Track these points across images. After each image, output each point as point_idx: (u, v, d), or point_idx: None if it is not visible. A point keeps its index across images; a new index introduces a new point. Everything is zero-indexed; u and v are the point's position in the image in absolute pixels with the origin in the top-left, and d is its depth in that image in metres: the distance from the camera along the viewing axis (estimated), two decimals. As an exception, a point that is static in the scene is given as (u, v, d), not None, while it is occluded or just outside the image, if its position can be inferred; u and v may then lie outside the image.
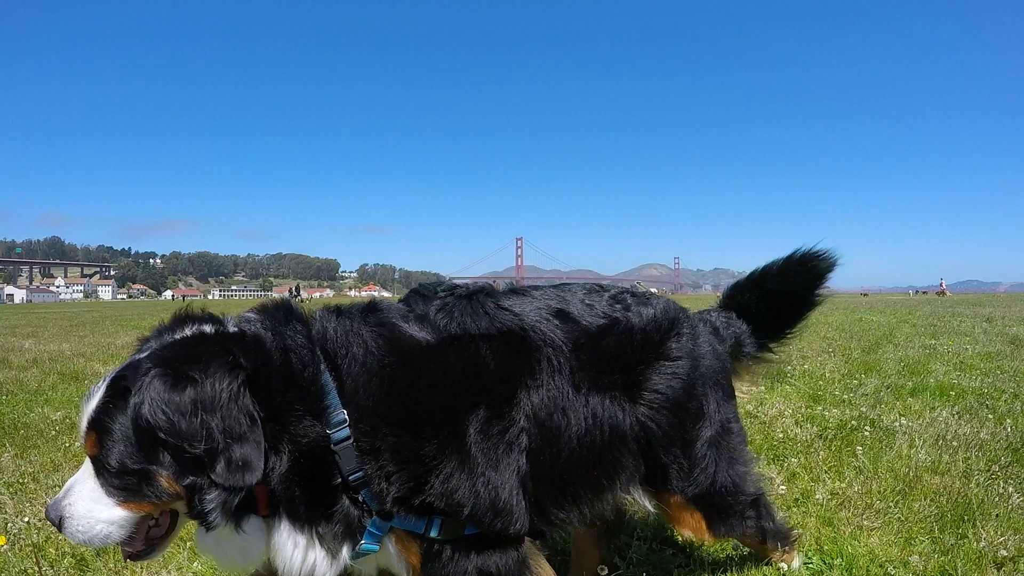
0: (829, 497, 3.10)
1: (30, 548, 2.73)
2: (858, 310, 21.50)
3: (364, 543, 1.54)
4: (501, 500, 1.58)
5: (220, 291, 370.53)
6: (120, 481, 1.42)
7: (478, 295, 1.78)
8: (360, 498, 1.51)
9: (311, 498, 1.50)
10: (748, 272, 2.52)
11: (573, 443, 1.74)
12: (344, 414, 1.49)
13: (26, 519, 3.02)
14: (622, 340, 1.85)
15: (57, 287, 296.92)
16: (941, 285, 58.27)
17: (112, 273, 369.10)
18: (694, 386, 1.95)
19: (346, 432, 1.48)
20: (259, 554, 1.54)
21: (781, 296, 2.40)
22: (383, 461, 1.50)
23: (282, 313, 1.63)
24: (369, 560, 1.65)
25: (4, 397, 6.30)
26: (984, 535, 2.61)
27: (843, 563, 2.41)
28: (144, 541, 1.55)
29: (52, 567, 2.61)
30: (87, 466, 1.48)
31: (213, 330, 1.56)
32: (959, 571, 2.33)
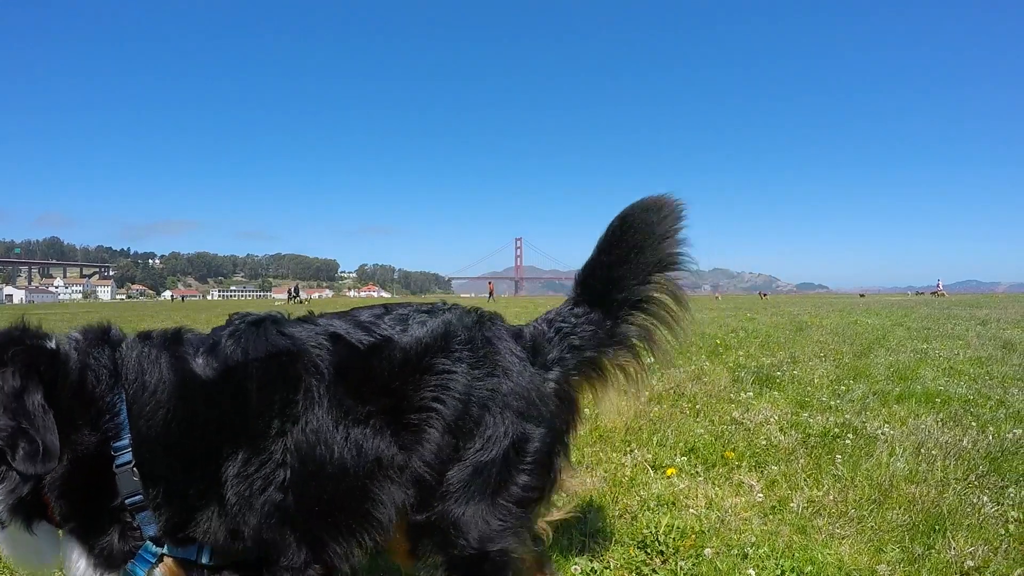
0: (806, 505, 3.17)
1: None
2: (854, 312, 21.58)
3: (133, 564, 1.59)
4: (261, 535, 1.61)
5: (219, 291, 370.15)
6: None
7: (265, 321, 1.81)
8: (135, 522, 1.57)
9: (91, 514, 1.58)
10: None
11: (339, 475, 1.69)
12: (129, 438, 1.56)
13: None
14: (388, 361, 1.79)
15: (56, 287, 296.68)
16: (938, 286, 58.69)
17: (111, 273, 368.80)
18: (468, 407, 1.77)
19: (128, 456, 1.55)
20: (52, 559, 1.64)
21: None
22: (158, 489, 1.57)
23: (96, 336, 1.72)
24: None
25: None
26: (954, 545, 2.68)
27: (813, 571, 2.48)
28: None
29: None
30: None
31: (26, 340, 1.65)
32: (925, 580, 2.41)
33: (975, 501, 3.14)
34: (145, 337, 1.75)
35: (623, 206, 2.09)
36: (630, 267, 2.06)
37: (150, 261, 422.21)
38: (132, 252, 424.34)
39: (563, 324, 2.02)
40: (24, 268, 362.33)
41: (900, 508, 3.08)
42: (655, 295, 2.13)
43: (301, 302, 50.54)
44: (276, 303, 58.76)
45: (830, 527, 2.92)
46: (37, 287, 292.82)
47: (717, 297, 77.81)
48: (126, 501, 1.55)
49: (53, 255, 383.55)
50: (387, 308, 1.96)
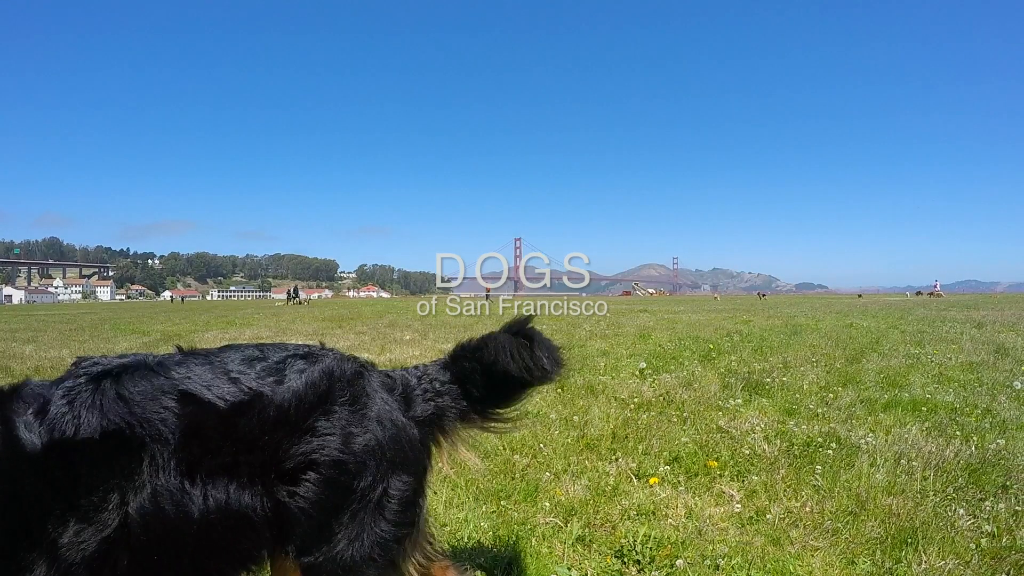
0: (783, 515, 3.20)
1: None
2: (851, 314, 21.62)
3: None
4: None
5: (219, 292, 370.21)
6: None
7: (105, 380, 1.67)
8: None
9: None
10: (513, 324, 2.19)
11: (192, 538, 1.65)
12: None
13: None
14: (259, 419, 1.71)
15: (56, 288, 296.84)
16: (935, 286, 59.12)
17: (111, 274, 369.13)
18: (344, 461, 1.79)
19: None
20: None
21: (498, 376, 2.13)
22: None
23: None
24: None
25: None
26: (925, 559, 2.71)
27: (784, 584, 2.53)
28: None
29: None
30: None
31: None
32: (893, 594, 2.44)
33: (951, 514, 3.16)
34: None
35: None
36: (501, 378, 2.11)
37: (149, 261, 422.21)
38: (131, 252, 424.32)
39: (429, 385, 2.10)
40: (23, 268, 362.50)
41: (876, 520, 3.11)
42: (518, 395, 2.19)
43: (301, 303, 50.50)
44: (276, 303, 58.79)
45: (805, 538, 2.95)
46: (36, 287, 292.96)
47: (716, 297, 77.78)
48: None
49: (52, 255, 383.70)
50: (262, 350, 1.87)
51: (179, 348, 1.86)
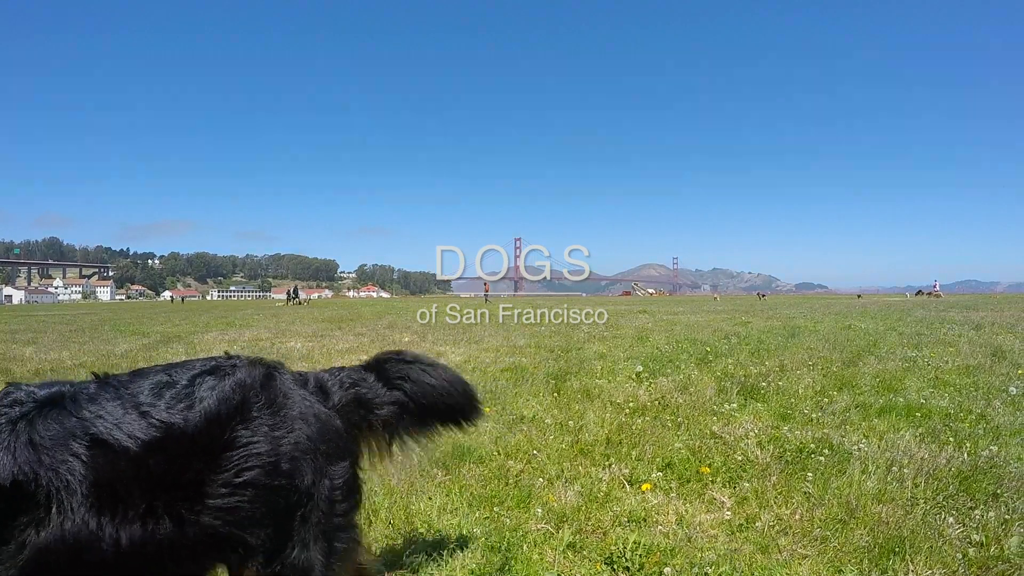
0: (773, 523, 3.21)
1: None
2: (850, 315, 21.63)
3: None
4: None
5: (219, 292, 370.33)
6: None
7: (20, 422, 1.63)
8: None
9: None
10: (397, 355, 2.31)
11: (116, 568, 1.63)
12: None
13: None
14: (174, 452, 1.68)
15: (56, 288, 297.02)
16: (935, 286, 59.39)
17: (111, 274, 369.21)
18: (277, 465, 1.79)
19: None
20: None
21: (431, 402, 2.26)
22: None
23: None
24: None
25: None
26: (912, 568, 2.72)
27: (771, 593, 2.55)
28: None
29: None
30: None
31: None
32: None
33: (940, 523, 3.16)
34: None
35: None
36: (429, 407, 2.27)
37: (149, 261, 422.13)
38: (131, 252, 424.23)
39: (347, 378, 2.16)
40: (23, 268, 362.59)
41: (865, 528, 3.12)
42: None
43: (300, 303, 50.57)
44: (276, 303, 58.86)
45: (793, 546, 2.97)
46: (36, 288, 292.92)
47: (716, 298, 77.94)
48: None
49: (52, 255, 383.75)
50: (170, 374, 1.84)
51: (95, 376, 1.82)
